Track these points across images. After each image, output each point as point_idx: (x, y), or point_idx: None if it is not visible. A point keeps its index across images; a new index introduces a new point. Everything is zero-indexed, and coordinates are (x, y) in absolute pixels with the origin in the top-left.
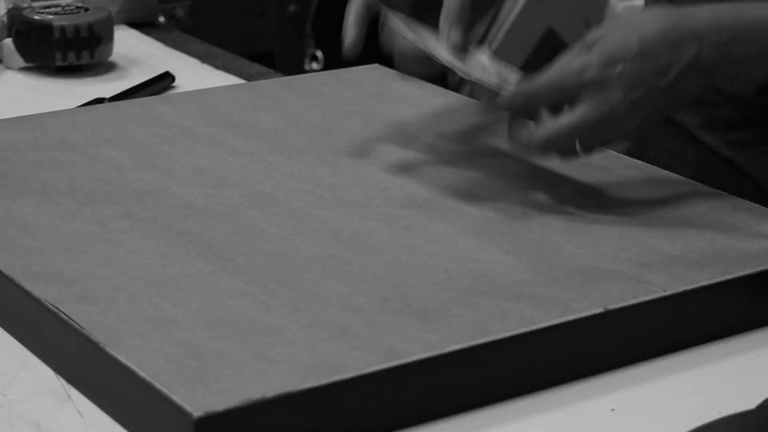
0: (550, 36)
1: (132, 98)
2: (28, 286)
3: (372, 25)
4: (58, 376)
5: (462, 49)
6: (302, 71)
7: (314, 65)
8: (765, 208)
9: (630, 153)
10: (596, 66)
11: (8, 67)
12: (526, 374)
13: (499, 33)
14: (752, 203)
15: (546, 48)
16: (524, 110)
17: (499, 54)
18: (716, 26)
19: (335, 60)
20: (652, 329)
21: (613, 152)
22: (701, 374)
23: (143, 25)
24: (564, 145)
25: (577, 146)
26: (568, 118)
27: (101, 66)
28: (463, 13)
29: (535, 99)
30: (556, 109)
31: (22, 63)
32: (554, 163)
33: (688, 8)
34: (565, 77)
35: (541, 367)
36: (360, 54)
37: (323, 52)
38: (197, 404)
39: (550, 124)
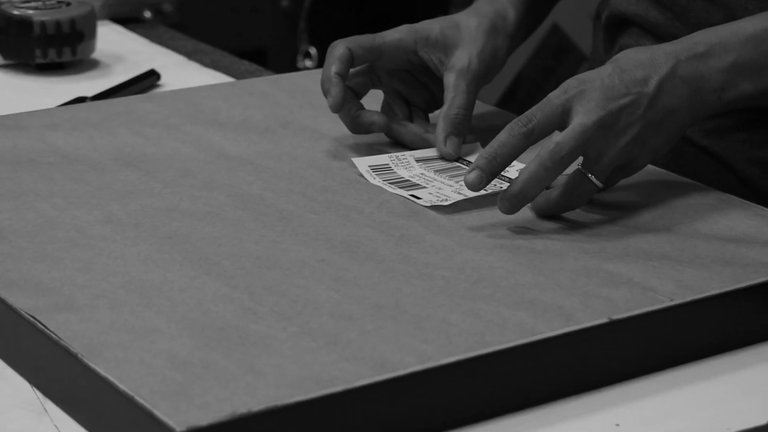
0: (556, 31)
1: (115, 97)
2: (4, 294)
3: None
4: (35, 389)
5: (456, 157)
6: (295, 69)
7: (308, 63)
8: None
9: None
10: (573, 83)
11: None
12: (527, 387)
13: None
14: (764, 208)
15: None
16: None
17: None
18: (689, 43)
19: None
20: (658, 340)
21: None
22: (710, 388)
23: (128, 20)
24: (574, 183)
25: (592, 179)
26: (561, 136)
27: (83, 63)
28: (465, 125)
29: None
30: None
31: (0, 60)
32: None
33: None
34: (543, 111)
35: (542, 379)
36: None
37: (317, 49)
38: (180, 419)
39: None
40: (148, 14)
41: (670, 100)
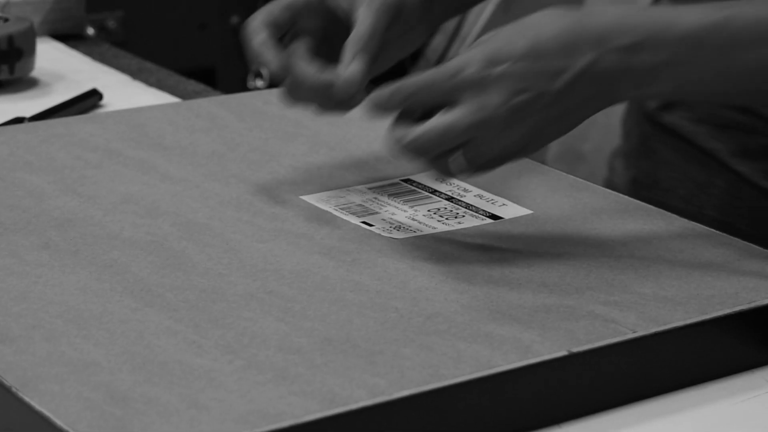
0: None
1: (55, 117)
2: None
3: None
4: None
5: (360, 83)
6: (245, 89)
7: (258, 83)
8: (745, 243)
9: (638, 180)
10: (477, 65)
11: None
12: (483, 423)
13: (461, 48)
14: (732, 237)
15: None
16: (400, 112)
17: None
18: (618, 29)
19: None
20: (620, 374)
21: (580, 179)
22: (675, 423)
23: (69, 37)
24: (436, 152)
25: (461, 161)
26: (439, 119)
27: (21, 82)
28: (372, 42)
29: (409, 99)
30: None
31: None
32: (517, 192)
33: (594, 8)
34: (440, 75)
35: (499, 414)
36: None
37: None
38: None
39: (421, 126)
40: (90, 31)
41: (576, 99)
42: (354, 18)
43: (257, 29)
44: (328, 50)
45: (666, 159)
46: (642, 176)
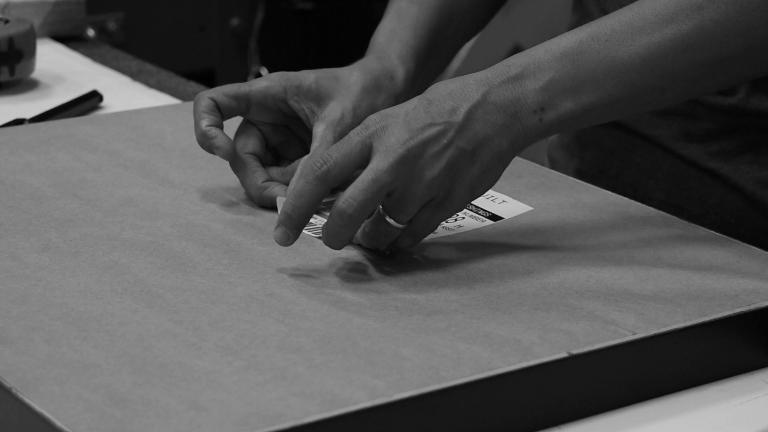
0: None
1: (55, 119)
2: None
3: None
4: None
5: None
6: None
7: None
8: (745, 245)
9: (582, 171)
10: (375, 118)
11: None
12: (482, 424)
13: (461, 51)
14: (731, 239)
15: None
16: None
17: (460, 73)
18: (502, 67)
19: None
20: (620, 376)
21: (580, 181)
22: (674, 425)
23: (70, 39)
24: (367, 210)
25: (391, 222)
26: (360, 176)
27: (22, 83)
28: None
29: (330, 176)
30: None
31: None
32: (517, 194)
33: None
34: (345, 140)
35: (498, 416)
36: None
37: (269, 70)
38: None
39: (346, 189)
40: (91, 33)
41: (482, 128)
42: (314, 132)
43: (202, 113)
44: (283, 138)
45: (609, 148)
46: (585, 167)
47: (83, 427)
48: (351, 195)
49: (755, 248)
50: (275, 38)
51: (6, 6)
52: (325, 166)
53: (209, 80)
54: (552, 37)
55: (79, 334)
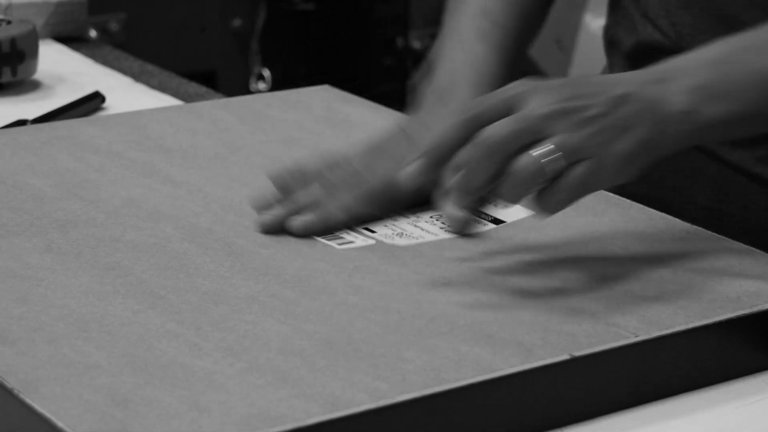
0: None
1: (57, 120)
2: None
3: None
4: None
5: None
6: (247, 92)
7: (260, 85)
8: (747, 247)
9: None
10: (524, 83)
11: None
12: (485, 426)
13: None
14: (734, 241)
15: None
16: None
17: None
18: (645, 71)
19: (284, 79)
20: (622, 378)
21: None
22: (676, 428)
23: (72, 39)
24: (511, 148)
25: (543, 160)
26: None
27: (24, 84)
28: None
29: (470, 124)
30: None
31: None
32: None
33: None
34: (491, 95)
35: (500, 418)
36: (309, 72)
37: (271, 71)
38: None
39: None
40: (93, 33)
41: (624, 112)
42: None
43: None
44: None
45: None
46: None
47: (84, 427)
48: (500, 124)
49: (758, 250)
50: (277, 39)
51: (8, 7)
52: (475, 110)
53: (211, 81)
54: (558, 39)
55: (81, 334)
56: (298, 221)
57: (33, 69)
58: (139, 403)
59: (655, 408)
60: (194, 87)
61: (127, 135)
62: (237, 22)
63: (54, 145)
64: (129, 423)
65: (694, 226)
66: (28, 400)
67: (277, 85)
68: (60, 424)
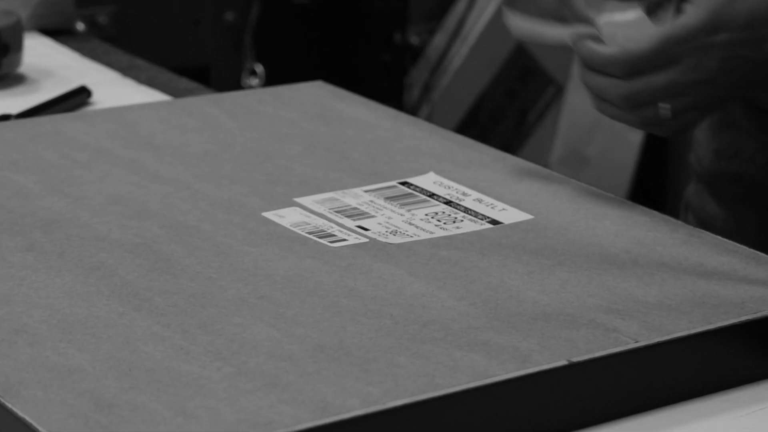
0: (520, 53)
1: (42, 115)
2: None
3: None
4: None
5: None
6: (239, 87)
7: (253, 81)
8: (752, 251)
9: (720, 151)
10: (702, 34)
11: None
12: None
13: (462, 48)
14: (738, 245)
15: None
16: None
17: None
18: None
19: (278, 75)
20: (622, 385)
21: (583, 184)
22: None
23: (58, 32)
24: (647, 103)
25: (666, 108)
26: (660, 76)
27: (8, 78)
28: None
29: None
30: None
31: None
32: (518, 197)
33: None
34: (671, 42)
35: (496, 426)
36: (304, 68)
37: (264, 67)
38: None
39: (641, 80)
40: (80, 26)
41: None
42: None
43: None
44: None
45: (745, 129)
46: (724, 147)
47: None
48: (647, 87)
49: (762, 254)
50: (271, 33)
51: None
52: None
53: (203, 76)
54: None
55: (64, 337)
56: None
57: (18, 62)
58: (124, 408)
59: (656, 416)
60: (184, 83)
61: (114, 131)
62: (230, 16)
63: (39, 141)
64: (113, 428)
65: (697, 229)
66: (9, 405)
67: (272, 80)
68: (42, 429)
